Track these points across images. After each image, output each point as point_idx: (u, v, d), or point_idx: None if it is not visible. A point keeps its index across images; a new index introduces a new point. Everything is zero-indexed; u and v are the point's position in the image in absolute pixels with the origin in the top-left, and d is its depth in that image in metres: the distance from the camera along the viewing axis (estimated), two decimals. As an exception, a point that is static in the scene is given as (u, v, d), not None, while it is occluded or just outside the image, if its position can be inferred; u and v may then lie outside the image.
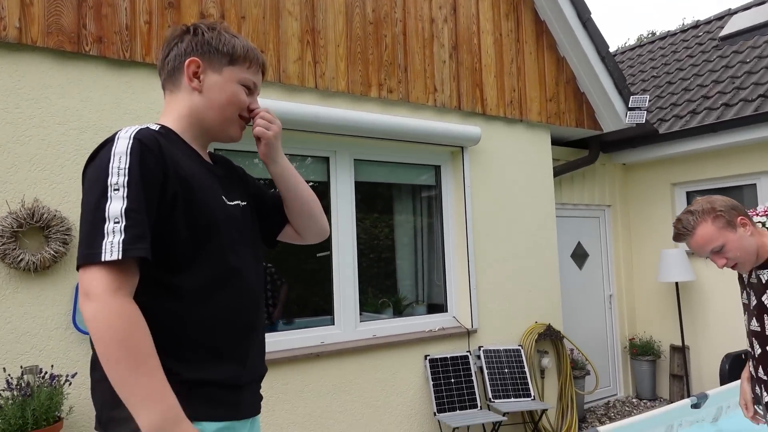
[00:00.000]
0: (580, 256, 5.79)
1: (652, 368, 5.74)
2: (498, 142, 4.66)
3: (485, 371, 4.16)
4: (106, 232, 1.07)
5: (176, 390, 1.15)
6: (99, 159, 1.16)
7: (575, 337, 5.46)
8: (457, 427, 3.71)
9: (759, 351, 1.96)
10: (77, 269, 1.10)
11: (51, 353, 2.74)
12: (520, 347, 4.38)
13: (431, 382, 3.94)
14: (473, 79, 4.49)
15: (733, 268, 1.91)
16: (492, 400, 4.06)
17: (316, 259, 3.84)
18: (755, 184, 5.19)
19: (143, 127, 1.22)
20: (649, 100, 6.16)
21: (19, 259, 2.64)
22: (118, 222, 1.08)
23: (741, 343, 5.07)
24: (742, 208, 1.92)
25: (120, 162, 1.13)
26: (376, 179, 4.20)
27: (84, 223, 1.11)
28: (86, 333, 2.76)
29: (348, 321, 3.84)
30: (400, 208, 4.40)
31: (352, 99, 3.86)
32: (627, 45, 9.20)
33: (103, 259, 1.06)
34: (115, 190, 1.10)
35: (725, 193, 5.43)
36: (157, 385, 1.06)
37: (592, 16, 4.87)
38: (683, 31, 7.84)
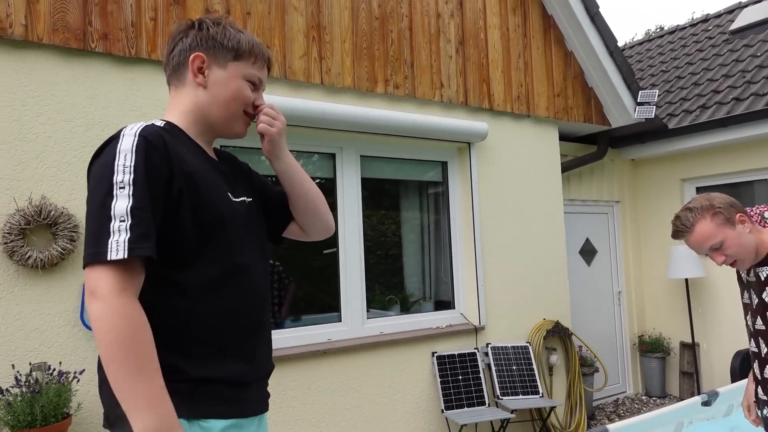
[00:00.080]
0: (588, 252, 5.76)
1: (661, 365, 5.70)
2: (505, 137, 4.62)
3: (493, 368, 4.14)
4: (112, 230, 1.07)
5: (183, 388, 1.15)
6: (104, 156, 1.15)
7: (584, 334, 5.42)
8: (465, 425, 3.69)
9: (766, 350, 1.93)
10: (83, 268, 1.09)
11: (59, 350, 2.75)
12: (528, 344, 4.36)
13: (439, 379, 3.92)
14: (480, 74, 4.46)
15: (732, 265, 1.90)
16: (500, 397, 4.05)
17: (323, 256, 3.84)
18: (767, 180, 5.12)
19: (148, 123, 1.21)
20: (659, 95, 6.10)
21: (27, 256, 2.64)
22: (123, 220, 1.08)
23: (752, 340, 5.01)
24: (740, 206, 1.92)
25: (125, 160, 1.12)
26: (382, 176, 4.19)
27: (90, 221, 1.10)
28: (94, 330, 2.77)
29: (355, 318, 3.84)
30: (407, 204, 4.38)
31: (358, 95, 3.84)
32: (635, 40, 9.12)
33: (109, 258, 1.05)
34: (120, 188, 1.10)
35: (736, 188, 5.38)
36: (154, 390, 1.05)
37: (600, 10, 4.82)
38: (693, 25, 7.76)
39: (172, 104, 1.34)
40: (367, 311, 3.93)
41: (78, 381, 2.71)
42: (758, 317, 1.92)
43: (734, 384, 3.03)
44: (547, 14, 4.92)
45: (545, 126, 4.91)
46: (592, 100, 5.21)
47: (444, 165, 4.47)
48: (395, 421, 3.82)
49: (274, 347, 3.31)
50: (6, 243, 2.61)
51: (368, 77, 3.86)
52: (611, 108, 5.23)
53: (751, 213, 4.65)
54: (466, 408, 3.90)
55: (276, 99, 3.33)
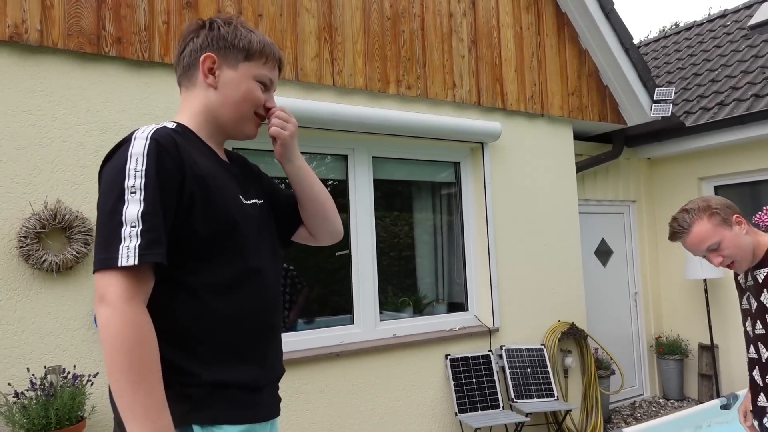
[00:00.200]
0: (604, 253, 5.68)
1: (679, 367, 5.60)
2: (519, 137, 4.58)
3: (507, 371, 4.10)
4: (122, 236, 1.06)
5: (195, 393, 1.14)
6: (115, 160, 1.14)
7: (599, 336, 5.35)
8: (479, 428, 3.66)
9: (767, 355, 1.88)
10: (93, 273, 1.09)
11: (74, 353, 2.77)
12: (542, 346, 4.30)
13: (452, 382, 3.89)
14: (493, 73, 4.42)
15: (729, 267, 1.91)
16: (514, 400, 4.00)
17: (336, 258, 3.82)
18: (787, 178, 5.02)
19: (160, 126, 1.20)
20: (675, 92, 6.01)
21: (42, 260, 2.66)
22: (134, 226, 1.07)
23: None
24: (737, 207, 1.93)
25: (137, 164, 1.11)
26: (395, 177, 4.17)
27: (100, 226, 1.10)
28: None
29: (368, 320, 3.82)
30: (420, 205, 4.35)
31: (370, 96, 3.83)
32: (650, 37, 9.01)
33: (119, 264, 1.05)
34: (132, 192, 1.09)
35: (756, 187, 5.27)
36: (154, 402, 1.04)
37: (614, 6, 4.76)
38: (710, 20, 7.63)
39: (183, 105, 1.33)
40: (380, 313, 3.90)
41: (92, 384, 2.73)
42: (758, 321, 1.91)
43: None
44: (561, 12, 4.87)
45: (559, 125, 4.86)
46: (607, 98, 5.14)
47: (457, 165, 4.43)
48: (408, 424, 3.79)
49: (286, 350, 3.30)
50: (22, 247, 2.63)
51: (380, 78, 3.84)
52: (627, 106, 5.16)
53: (756, 219, 4.63)
54: (480, 411, 3.86)
55: (288, 101, 3.32)
